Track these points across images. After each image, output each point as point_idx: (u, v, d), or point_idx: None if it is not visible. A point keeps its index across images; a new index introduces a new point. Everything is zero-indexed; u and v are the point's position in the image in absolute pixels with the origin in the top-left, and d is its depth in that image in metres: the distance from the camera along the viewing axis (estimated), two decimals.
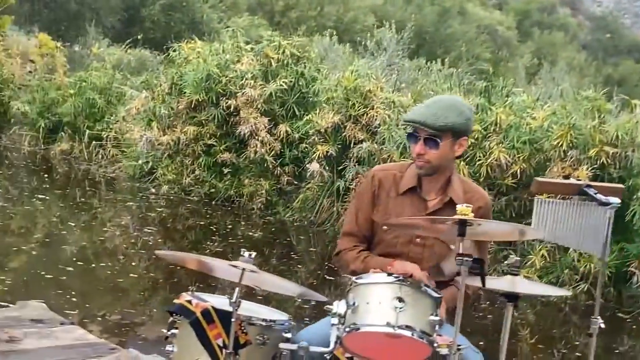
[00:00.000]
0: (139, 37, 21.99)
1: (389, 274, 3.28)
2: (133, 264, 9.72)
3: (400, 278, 3.24)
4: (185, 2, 31.03)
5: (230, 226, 12.46)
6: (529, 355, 8.27)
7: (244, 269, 3.22)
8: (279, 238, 12.32)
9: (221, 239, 11.49)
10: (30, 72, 19.48)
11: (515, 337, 8.54)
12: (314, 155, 13.02)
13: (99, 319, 7.29)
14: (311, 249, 12.00)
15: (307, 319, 4.34)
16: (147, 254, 10.25)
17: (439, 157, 3.78)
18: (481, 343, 3.62)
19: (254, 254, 3.22)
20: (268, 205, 13.69)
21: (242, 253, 3.24)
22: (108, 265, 9.34)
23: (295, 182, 13.78)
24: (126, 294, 8.53)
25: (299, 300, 8.23)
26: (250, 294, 3.51)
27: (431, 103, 3.85)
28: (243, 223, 12.84)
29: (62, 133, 16.46)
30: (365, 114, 13.02)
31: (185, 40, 15.80)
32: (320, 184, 13.19)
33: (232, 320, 3.22)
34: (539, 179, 3.93)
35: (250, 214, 13.44)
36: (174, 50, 15.54)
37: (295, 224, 13.19)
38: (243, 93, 13.97)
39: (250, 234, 12.17)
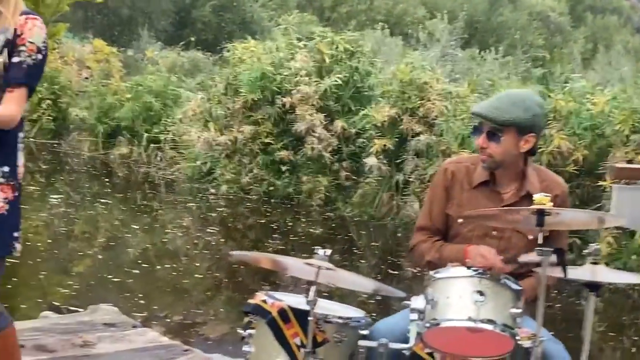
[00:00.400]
0: (191, 39, 22.07)
1: (468, 267, 3.21)
2: (196, 264, 9.76)
3: (480, 271, 3.17)
4: (236, 2, 31.11)
5: (290, 224, 12.45)
6: (599, 343, 8.14)
7: (319, 267, 3.17)
8: (340, 234, 12.29)
9: (282, 236, 11.48)
10: (86, 78, 19.67)
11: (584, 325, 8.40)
12: (372, 149, 12.96)
13: (166, 320, 7.32)
14: (372, 243, 11.94)
15: (374, 315, 4.28)
16: (209, 254, 10.29)
17: (501, 152, 3.71)
18: (551, 333, 3.53)
19: (329, 251, 3.17)
20: (327, 202, 13.66)
21: (316, 250, 3.19)
22: (171, 266, 9.38)
23: (354, 177, 13.73)
24: (189, 294, 8.56)
25: (365, 296, 8.19)
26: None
27: (499, 97, 3.79)
28: (303, 220, 12.83)
29: (121, 137, 16.59)
30: (422, 106, 12.93)
31: (239, 40, 15.84)
32: (379, 178, 13.13)
33: (310, 318, 3.18)
34: (617, 165, 3.84)
35: (309, 211, 13.42)
36: (228, 51, 15.58)
37: (355, 219, 13.14)
38: (298, 90, 13.95)
39: (311, 230, 12.16)
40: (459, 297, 3.13)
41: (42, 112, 17.21)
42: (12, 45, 3.61)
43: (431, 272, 3.27)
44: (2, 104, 3.64)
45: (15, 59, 3.63)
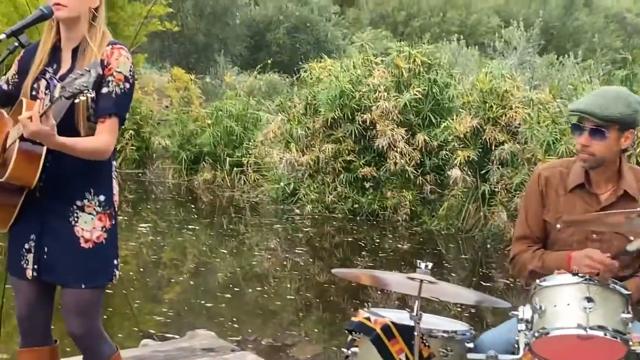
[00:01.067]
0: (267, 61, 22.22)
1: (575, 274, 3.14)
2: (285, 285, 9.76)
3: (587, 277, 3.09)
4: (309, 22, 31.27)
5: (377, 240, 12.40)
6: None
7: (422, 281, 3.12)
8: (428, 248, 12.19)
9: (370, 253, 11.44)
10: (167, 106, 19.94)
11: None
12: (455, 161, 12.84)
13: (257, 342, 7.32)
14: (462, 256, 11.82)
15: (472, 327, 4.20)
16: (298, 274, 10.29)
17: (604, 149, 3.62)
18: None
19: (430, 264, 3.13)
20: (413, 216, 13.57)
21: (418, 264, 3.15)
22: (261, 288, 9.40)
23: (439, 190, 13.63)
24: (280, 316, 8.56)
25: (459, 309, 8.08)
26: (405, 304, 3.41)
27: (598, 93, 3.70)
28: (390, 236, 12.76)
29: (204, 163, 16.74)
30: (504, 115, 12.78)
31: (315, 60, 15.89)
32: (464, 189, 13.01)
33: (415, 334, 3.13)
34: None
35: (396, 226, 13.35)
36: (305, 71, 15.64)
37: (442, 232, 13.03)
38: (377, 106, 13.91)
39: (399, 246, 12.09)
40: (567, 304, 3.06)
41: (126, 143, 17.47)
42: (101, 76, 3.65)
43: (537, 281, 3.20)
44: (95, 135, 3.69)
45: (104, 90, 3.67)
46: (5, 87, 4.00)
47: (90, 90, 3.28)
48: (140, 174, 17.49)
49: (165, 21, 19.49)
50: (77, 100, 3.36)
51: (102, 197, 3.80)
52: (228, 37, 29.08)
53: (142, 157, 17.93)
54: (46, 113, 3.42)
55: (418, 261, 3.14)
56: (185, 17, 26.78)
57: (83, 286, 3.74)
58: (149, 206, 15.06)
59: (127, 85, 3.72)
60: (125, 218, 13.14)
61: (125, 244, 11.26)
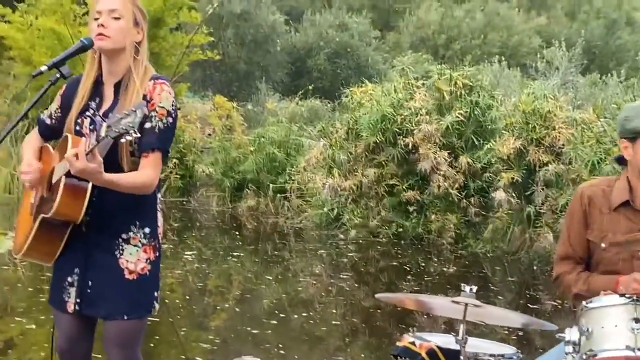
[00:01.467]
0: (309, 87, 22.30)
1: (622, 295, 3.11)
2: (331, 311, 9.74)
3: (634, 298, 3.06)
4: (349, 48, 31.36)
5: (422, 264, 12.35)
6: None
7: (466, 304, 3.11)
8: (473, 271, 12.12)
9: (415, 277, 11.39)
10: (209, 134, 20.05)
11: None
12: (499, 183, 12.78)
13: None
14: (508, 278, 11.74)
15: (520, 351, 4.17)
16: (344, 300, 10.27)
17: None
18: None
19: (474, 287, 3.12)
20: (458, 239, 13.51)
21: (462, 287, 3.14)
22: (307, 314, 9.39)
23: (483, 213, 13.56)
24: (326, 342, 8.54)
25: (506, 332, 8.03)
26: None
27: None
28: (435, 259, 12.71)
29: (247, 190, 16.80)
30: (547, 136, 12.72)
31: (356, 85, 15.93)
32: (509, 211, 12.93)
33: (461, 358, 3.12)
34: None
35: (441, 250, 13.30)
36: (346, 96, 15.68)
37: (488, 255, 12.95)
38: (419, 129, 13.90)
39: (444, 269, 12.03)
40: (615, 326, 3.03)
41: (170, 171, 17.57)
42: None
43: (584, 302, 3.18)
44: (139, 169, 3.74)
45: (147, 125, 3.72)
46: (48, 121, 4.05)
47: (136, 130, 3.32)
48: (184, 202, 17.59)
49: (206, 50, 19.65)
50: (122, 140, 3.40)
51: (147, 230, 3.84)
52: (269, 64, 29.25)
53: (187, 185, 18.03)
54: (92, 151, 3.47)
55: (462, 284, 3.13)
56: (226, 45, 27.00)
57: (125, 317, 3.78)
58: (193, 234, 15.12)
59: (170, 120, 3.77)
60: (171, 246, 13.21)
61: (171, 271, 11.32)
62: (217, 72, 28.11)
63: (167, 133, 3.77)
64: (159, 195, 3.96)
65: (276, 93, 28.14)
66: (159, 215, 3.94)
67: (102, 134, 3.43)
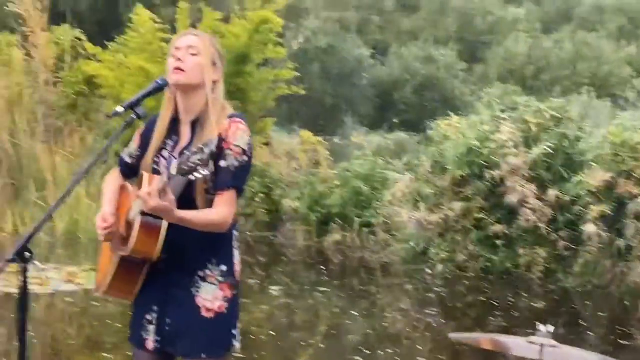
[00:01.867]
0: (394, 120, 22.36)
1: None
2: (418, 347, 9.70)
3: None
4: (437, 80, 31.34)
5: (511, 299, 12.22)
6: None
7: (542, 345, 3.10)
8: (563, 306, 11.95)
9: (504, 313, 11.27)
10: (296, 169, 20.20)
11: None
12: (589, 216, 12.60)
13: None
14: (599, 314, 11.53)
15: None
16: (431, 336, 10.22)
17: None
18: None
19: (551, 327, 3.10)
20: (547, 273, 13.33)
21: (538, 327, 3.12)
22: (393, 350, 9.37)
23: (573, 246, 13.35)
24: None
25: None
26: None
27: None
28: (524, 295, 12.56)
29: (333, 224, 16.85)
30: (638, 168, 12.50)
31: (442, 117, 15.91)
32: (600, 245, 12.72)
33: None
34: None
35: (530, 285, 13.13)
36: (431, 129, 15.67)
37: (578, 289, 12.74)
38: (507, 162, 13.79)
39: (533, 305, 11.88)
40: None
41: (257, 206, 17.75)
42: (218, 150, 3.77)
43: None
44: (213, 207, 3.80)
45: (222, 163, 3.79)
46: (128, 159, 4.16)
47: (204, 168, 3.40)
48: (271, 237, 17.71)
49: (292, 85, 19.83)
50: (193, 178, 3.48)
51: (223, 267, 3.90)
52: (355, 98, 29.43)
53: (273, 219, 18.15)
54: (164, 189, 3.55)
55: (537, 323, 3.12)
56: (312, 79, 27.21)
57: (204, 356, 3.84)
58: (280, 268, 15.23)
59: (245, 159, 3.84)
60: (257, 281, 13.33)
61: (257, 307, 11.41)
62: (303, 106, 28.34)
63: (242, 171, 3.84)
64: (235, 233, 4.01)
65: (362, 126, 28.29)
66: (236, 252, 3.99)
67: (172, 171, 3.54)
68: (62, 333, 9.90)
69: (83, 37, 19.57)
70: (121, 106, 3.87)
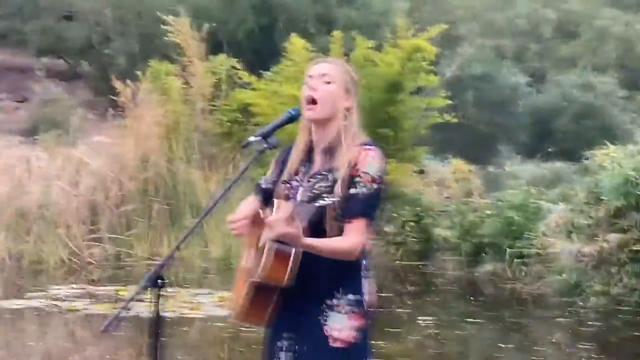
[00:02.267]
0: (550, 149, 22.00)
1: None
2: None
3: None
4: (595, 108, 30.67)
5: None
6: None
7: None
8: None
9: None
10: (447, 197, 20.12)
11: None
12: None
13: None
14: None
15: None
16: None
17: None
18: None
19: None
20: None
21: None
22: None
23: None
24: None
25: None
26: None
27: None
28: None
29: (484, 254, 16.68)
30: None
31: (599, 146, 15.57)
32: None
33: None
34: None
35: None
36: (587, 159, 15.34)
37: None
38: None
39: None
40: None
41: (407, 234, 17.76)
42: (348, 177, 3.79)
43: None
44: (343, 235, 3.80)
45: (351, 191, 3.78)
46: (264, 186, 4.19)
47: (330, 195, 3.39)
48: (421, 266, 17.67)
49: (445, 113, 19.81)
50: (317, 204, 3.49)
51: (351, 297, 3.88)
52: (510, 126, 29.08)
53: (424, 248, 18.12)
54: (292, 216, 3.58)
55: None
56: (466, 107, 27.07)
57: None
58: (429, 299, 15.17)
59: (375, 187, 3.81)
60: (407, 311, 13.34)
61: (406, 337, 11.42)
62: (457, 134, 28.15)
63: (372, 200, 3.81)
64: (365, 262, 3.99)
65: (517, 155, 27.90)
66: (366, 282, 3.95)
67: (299, 198, 3.58)
68: (214, 358, 10.16)
69: (239, 67, 20.02)
70: (254, 136, 3.95)
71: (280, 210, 3.73)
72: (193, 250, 16.44)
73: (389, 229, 17.86)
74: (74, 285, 14.00)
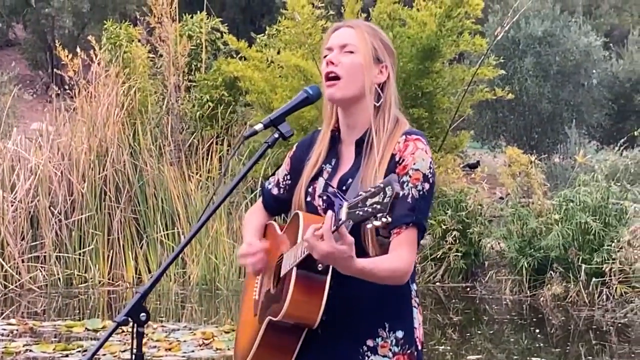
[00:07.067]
0: (635, 134, 21.97)
1: None
2: None
3: None
4: None
5: None
6: None
7: None
8: None
9: None
10: (501, 198, 20.13)
11: None
12: None
13: None
14: None
15: None
16: None
17: None
18: None
19: None
20: None
21: None
22: None
23: None
24: None
25: None
26: None
27: None
28: None
29: (551, 272, 16.69)
30: None
31: None
32: None
33: None
34: None
35: None
36: None
37: None
38: None
39: None
40: None
41: (449, 248, 17.73)
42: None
43: None
44: (389, 251, 3.78)
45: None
46: (275, 190, 4.20)
47: (387, 215, 3.32)
48: (468, 288, 17.73)
49: (495, 87, 19.80)
50: (369, 226, 3.45)
51: (399, 334, 3.86)
52: (582, 103, 28.97)
53: (471, 265, 18.15)
54: (339, 230, 3.50)
55: None
56: (523, 79, 27.03)
57: None
58: (480, 330, 15.21)
59: (427, 186, 3.81)
60: (450, 346, 13.39)
61: None
62: (511, 114, 28.15)
63: (423, 203, 3.80)
64: (414, 287, 3.98)
65: (592, 141, 27.84)
66: (417, 313, 3.96)
67: (342, 217, 3.45)
68: None
69: (223, 28, 20.01)
70: (261, 123, 3.95)
71: (310, 223, 3.64)
72: (167, 273, 16.41)
73: (425, 240, 17.83)
74: (12, 320, 14.02)
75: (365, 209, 3.38)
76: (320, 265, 3.69)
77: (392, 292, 3.85)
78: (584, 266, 16.24)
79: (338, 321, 3.84)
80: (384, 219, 3.37)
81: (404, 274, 3.79)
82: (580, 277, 16.26)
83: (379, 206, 3.35)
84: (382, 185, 3.39)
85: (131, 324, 3.66)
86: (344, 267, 3.61)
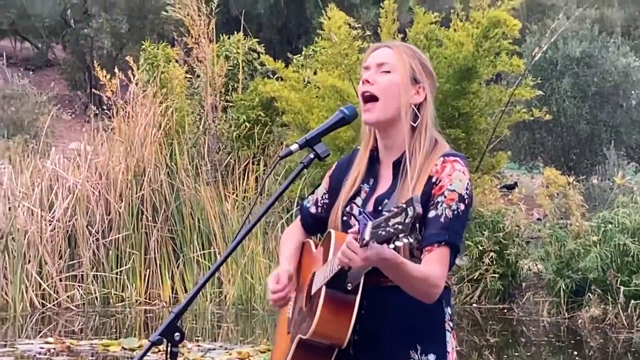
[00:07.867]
0: None
1: None
2: None
3: None
4: None
5: None
6: None
7: None
8: None
9: None
10: (539, 219, 20.03)
11: None
12: None
13: None
14: None
15: None
16: None
17: None
18: None
19: None
20: None
21: None
22: None
23: None
24: None
25: None
26: None
27: None
28: None
29: (590, 294, 16.60)
30: None
31: None
32: None
33: None
34: None
35: None
36: None
37: None
38: None
39: None
40: None
41: (485, 269, 17.67)
42: (427, 196, 3.76)
43: None
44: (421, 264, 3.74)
45: (431, 213, 3.78)
46: (313, 209, 4.20)
47: (408, 235, 3.31)
48: (505, 310, 17.64)
49: (533, 108, 19.72)
50: (391, 246, 3.41)
51: (431, 357, 3.83)
52: (620, 124, 28.84)
53: (508, 287, 18.07)
54: (367, 244, 3.46)
55: None
56: (561, 100, 26.94)
57: None
58: (517, 352, 15.14)
59: (462, 207, 3.80)
60: None
61: None
62: (549, 135, 28.06)
63: (457, 223, 3.79)
64: (448, 310, 3.95)
65: (630, 162, 27.70)
66: (450, 337, 3.93)
67: (366, 236, 3.44)
68: None
69: (260, 49, 20.06)
70: (296, 143, 3.96)
71: (342, 241, 3.60)
72: (203, 292, 16.45)
73: (461, 261, 17.78)
74: (50, 339, 14.06)
75: (388, 229, 3.36)
76: (349, 284, 3.68)
77: (425, 314, 3.85)
78: (622, 288, 16.15)
79: (369, 342, 3.82)
80: (404, 240, 3.35)
81: (435, 285, 3.75)
82: (618, 299, 16.17)
83: (400, 226, 3.33)
84: (404, 205, 3.37)
85: (165, 343, 3.65)
86: (382, 264, 3.58)
